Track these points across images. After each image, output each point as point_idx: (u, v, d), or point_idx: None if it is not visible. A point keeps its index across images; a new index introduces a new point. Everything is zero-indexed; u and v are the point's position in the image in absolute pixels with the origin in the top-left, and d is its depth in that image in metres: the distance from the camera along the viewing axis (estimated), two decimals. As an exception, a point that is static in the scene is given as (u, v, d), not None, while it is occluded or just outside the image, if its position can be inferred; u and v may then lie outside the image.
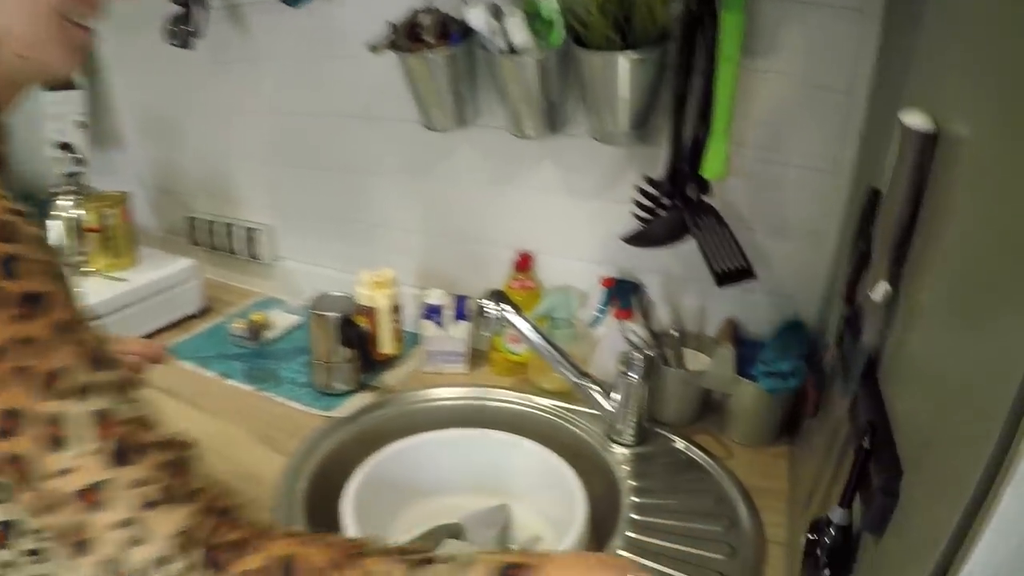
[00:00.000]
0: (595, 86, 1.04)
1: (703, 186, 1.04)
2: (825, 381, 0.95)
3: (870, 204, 0.80)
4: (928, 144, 0.65)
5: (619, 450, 1.14)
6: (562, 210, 1.27)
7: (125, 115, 1.77)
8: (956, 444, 0.47)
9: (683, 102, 1.01)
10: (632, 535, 0.97)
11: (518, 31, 1.02)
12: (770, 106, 1.05)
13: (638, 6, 0.95)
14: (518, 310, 1.14)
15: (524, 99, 1.10)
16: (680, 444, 1.16)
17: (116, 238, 1.50)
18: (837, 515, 0.65)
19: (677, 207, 1.05)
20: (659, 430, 1.18)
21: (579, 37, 1.02)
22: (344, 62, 1.34)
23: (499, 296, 1.14)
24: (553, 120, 1.14)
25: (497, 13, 1.04)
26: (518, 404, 1.26)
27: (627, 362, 1.11)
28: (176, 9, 1.39)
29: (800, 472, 1.02)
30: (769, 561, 0.94)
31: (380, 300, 1.29)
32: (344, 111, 1.40)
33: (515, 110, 1.13)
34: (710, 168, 1.00)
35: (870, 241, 0.79)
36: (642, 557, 0.93)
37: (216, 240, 1.71)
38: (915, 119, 0.66)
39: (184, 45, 1.40)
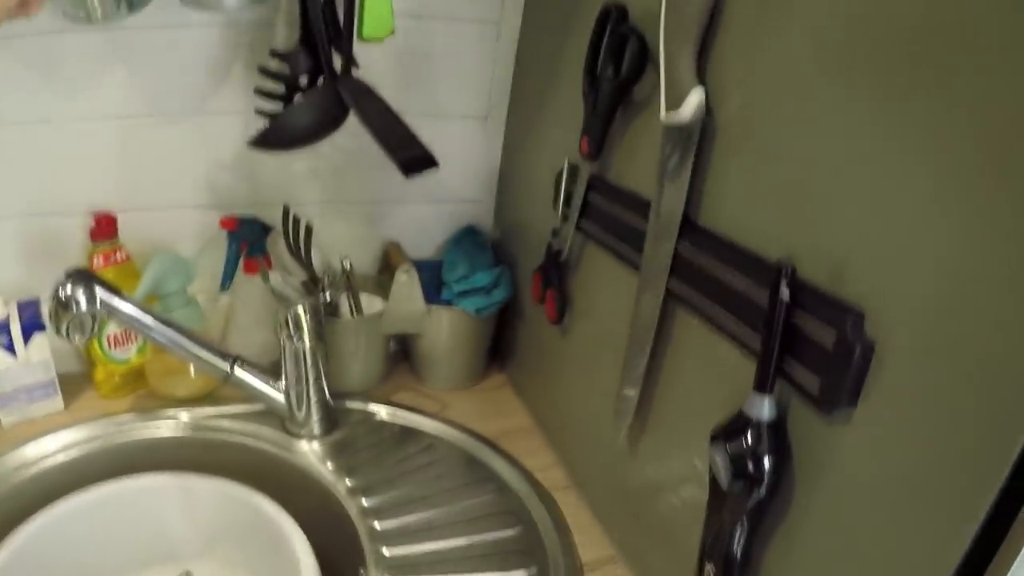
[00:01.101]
0: None
1: (350, 56, 0.75)
2: (560, 271, 0.77)
3: (619, 20, 0.62)
4: None
5: (309, 446, 0.81)
6: (143, 140, 0.83)
7: None
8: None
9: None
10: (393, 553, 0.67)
11: None
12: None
13: None
14: (115, 290, 0.70)
15: None
16: (383, 412, 0.88)
17: None
18: (760, 407, 0.46)
19: (326, 84, 0.74)
20: (349, 404, 0.87)
21: None
22: None
23: (82, 277, 0.69)
24: None
25: None
26: (153, 430, 0.82)
27: (287, 324, 0.78)
28: None
29: (555, 397, 0.84)
30: (567, 511, 0.74)
31: None
32: None
33: None
34: (372, 24, 0.71)
35: (619, 62, 0.62)
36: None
37: None
38: None
39: None
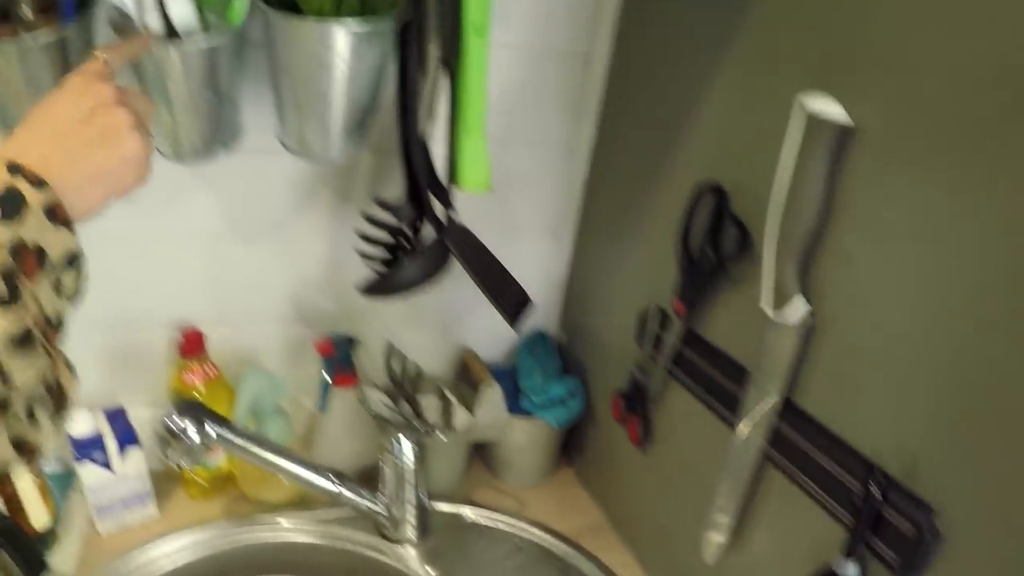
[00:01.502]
0: (296, 74, 0.70)
1: (451, 204, 0.80)
2: (644, 402, 0.84)
3: (719, 203, 0.69)
4: (844, 138, 0.56)
5: (407, 551, 0.88)
6: (228, 263, 0.89)
7: None
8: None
9: (416, 92, 0.75)
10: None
11: (178, 2, 0.63)
12: (495, 84, 0.86)
13: None
14: (223, 421, 0.76)
15: (186, 105, 0.69)
16: (469, 513, 0.95)
17: None
18: (847, 569, 0.57)
19: (435, 242, 0.79)
20: (438, 507, 0.94)
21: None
22: None
23: (191, 409, 0.75)
24: (222, 131, 0.74)
25: None
26: (252, 536, 0.88)
27: (390, 448, 0.85)
28: None
29: (632, 503, 0.91)
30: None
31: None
32: None
33: (172, 118, 0.70)
34: (470, 177, 0.76)
35: (719, 245, 0.69)
36: None
37: None
38: (828, 108, 0.56)
39: None
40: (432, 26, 0.71)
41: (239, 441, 0.76)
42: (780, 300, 0.61)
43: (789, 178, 0.58)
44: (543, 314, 1.04)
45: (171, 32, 0.64)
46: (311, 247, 0.91)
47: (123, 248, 0.84)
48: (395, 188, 0.84)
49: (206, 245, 0.87)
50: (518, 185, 0.93)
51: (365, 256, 0.83)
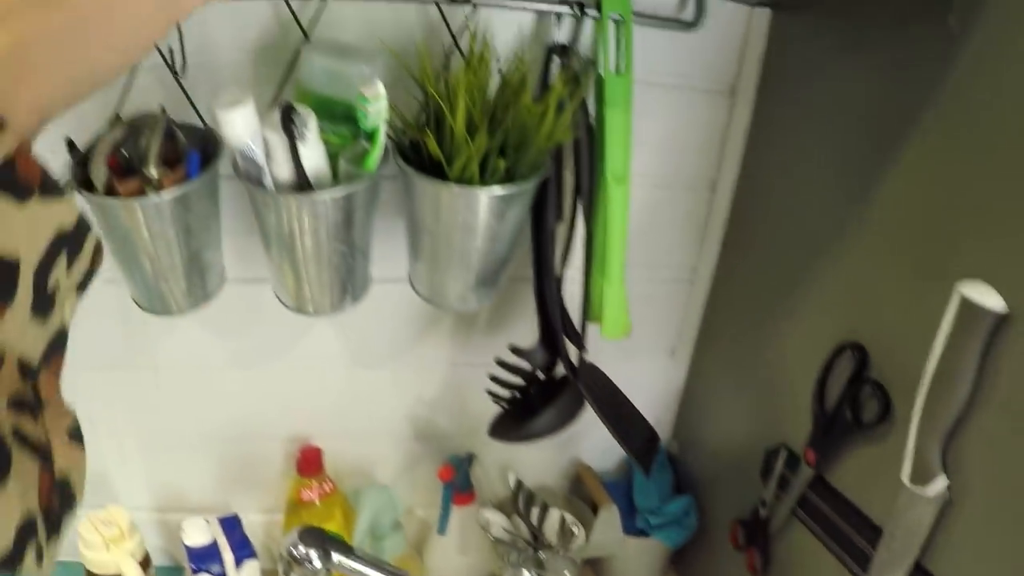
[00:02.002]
0: (435, 232, 0.72)
1: (583, 347, 0.82)
2: (765, 535, 0.83)
3: (859, 363, 0.69)
4: (1000, 325, 0.55)
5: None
6: (349, 384, 0.93)
7: None
8: None
9: (552, 240, 0.78)
10: None
11: (312, 150, 0.65)
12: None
13: (527, 126, 0.66)
14: (346, 547, 0.78)
15: (315, 258, 0.71)
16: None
17: None
18: None
19: (568, 390, 0.82)
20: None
21: (405, 152, 0.70)
22: None
23: (315, 537, 0.77)
24: (353, 285, 0.76)
25: (287, 117, 0.62)
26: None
27: (507, 565, 0.86)
28: None
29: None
30: None
31: (124, 565, 0.82)
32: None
33: (296, 273, 0.73)
34: (611, 325, 0.79)
35: (858, 406, 0.69)
36: None
37: None
38: (986, 296, 0.56)
39: None
40: (571, 176, 0.74)
41: (361, 568, 0.78)
42: (921, 475, 0.61)
43: (939, 358, 0.58)
44: (656, 425, 1.05)
45: (302, 182, 0.65)
46: (430, 370, 0.94)
47: (245, 367, 0.89)
48: (515, 315, 0.87)
49: (327, 367, 0.91)
50: (640, 306, 0.94)
51: (496, 398, 0.85)
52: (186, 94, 0.71)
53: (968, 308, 0.56)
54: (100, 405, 0.90)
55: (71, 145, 0.65)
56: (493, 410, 0.88)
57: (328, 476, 0.93)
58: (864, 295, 0.70)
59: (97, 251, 0.33)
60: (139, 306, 0.73)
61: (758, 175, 0.87)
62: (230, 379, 0.90)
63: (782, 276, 0.81)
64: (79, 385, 0.88)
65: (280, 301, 0.77)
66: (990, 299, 0.56)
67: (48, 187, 0.28)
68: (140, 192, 0.63)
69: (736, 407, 0.92)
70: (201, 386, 0.91)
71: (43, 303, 0.29)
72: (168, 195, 0.63)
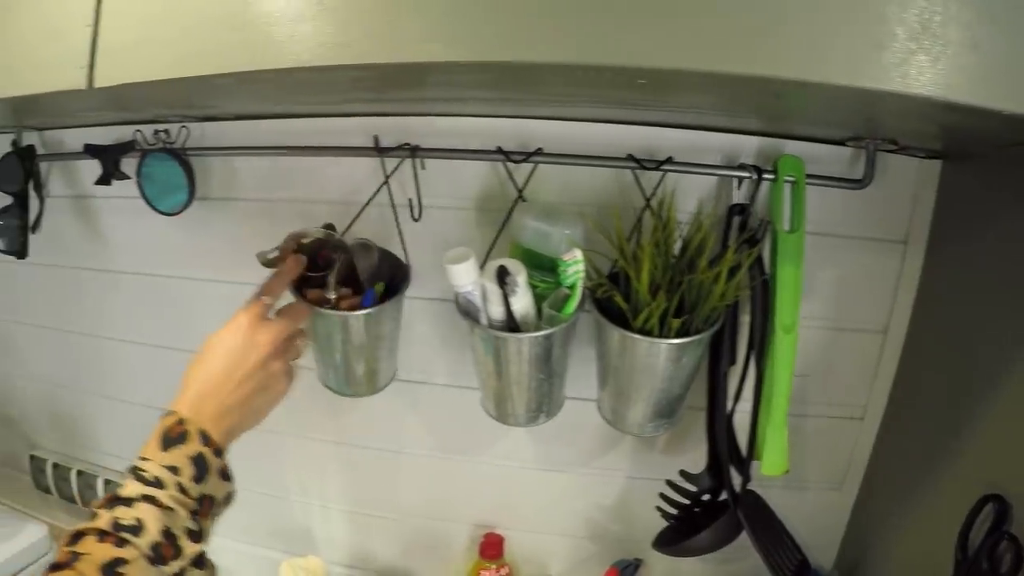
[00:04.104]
0: (621, 370, 0.83)
1: (748, 477, 0.89)
2: None
3: (999, 516, 0.71)
4: None
5: None
6: (535, 484, 1.06)
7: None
8: None
9: (724, 382, 0.87)
10: None
11: (521, 299, 0.79)
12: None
13: (703, 287, 0.77)
14: None
15: (517, 382, 0.85)
16: None
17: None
18: None
19: (729, 514, 0.89)
20: None
21: (598, 298, 0.82)
22: (225, 287, 1.03)
23: None
24: (549, 405, 0.89)
25: (502, 276, 0.78)
26: None
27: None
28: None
29: None
30: None
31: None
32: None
33: (500, 393, 0.87)
34: (770, 463, 0.86)
35: (996, 558, 0.70)
36: None
37: (68, 489, 1.27)
38: None
39: (20, 254, 1.04)
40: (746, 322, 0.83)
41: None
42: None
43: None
44: (816, 551, 1.07)
45: (511, 324, 0.80)
46: (609, 480, 1.04)
47: (446, 456, 1.05)
48: (690, 440, 0.95)
49: (518, 466, 1.05)
50: (810, 440, 1.00)
51: (664, 514, 0.94)
52: (400, 236, 0.92)
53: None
54: (314, 472, 1.11)
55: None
56: (662, 523, 0.97)
57: (506, 561, 1.06)
58: (1012, 449, 0.72)
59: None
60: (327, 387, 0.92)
61: (930, 320, 0.90)
62: (431, 465, 1.07)
63: (944, 421, 0.84)
64: (297, 451, 1.10)
65: (485, 410, 0.91)
66: None
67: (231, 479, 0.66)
68: (319, 303, 0.82)
69: (896, 543, 0.93)
70: (405, 468, 1.09)
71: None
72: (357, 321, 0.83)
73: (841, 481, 1.03)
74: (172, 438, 0.62)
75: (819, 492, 1.03)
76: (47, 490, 1.29)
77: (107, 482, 1.21)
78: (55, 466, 1.27)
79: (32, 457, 1.30)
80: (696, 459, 0.96)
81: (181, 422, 0.63)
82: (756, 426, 0.87)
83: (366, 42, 0.57)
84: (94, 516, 0.58)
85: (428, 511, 1.09)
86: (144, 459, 0.61)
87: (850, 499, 1.04)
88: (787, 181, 0.84)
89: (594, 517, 1.06)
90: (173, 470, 0.60)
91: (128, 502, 0.58)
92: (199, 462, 0.62)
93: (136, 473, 0.60)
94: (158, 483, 0.59)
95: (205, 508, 0.62)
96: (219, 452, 0.64)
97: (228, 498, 0.66)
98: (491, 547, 1.04)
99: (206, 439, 0.63)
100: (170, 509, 0.59)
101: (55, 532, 1.17)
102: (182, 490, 0.60)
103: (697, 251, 0.78)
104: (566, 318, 0.80)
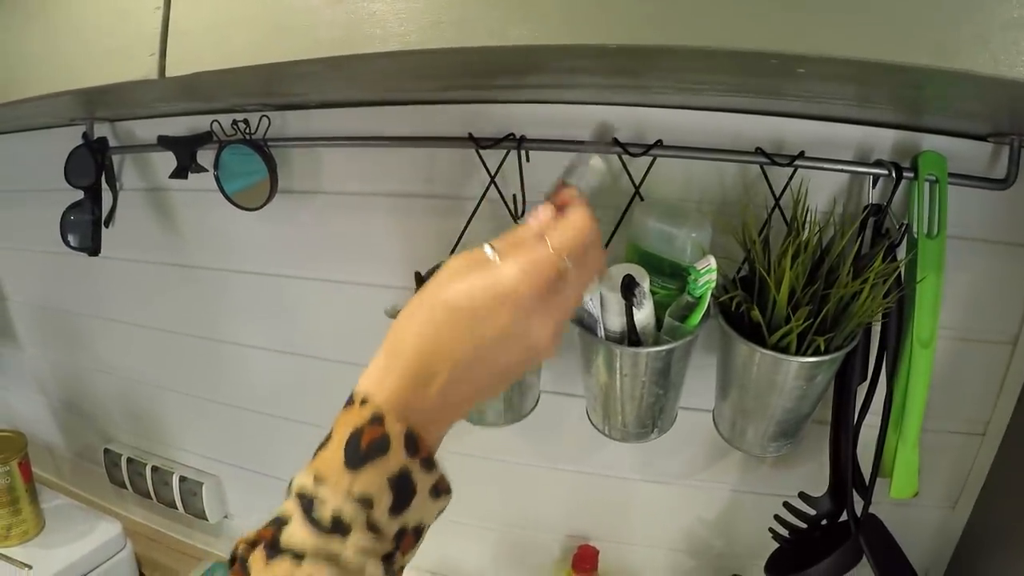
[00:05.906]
0: (747, 387, 0.77)
1: (870, 502, 0.83)
2: None
3: None
4: None
5: None
6: (635, 495, 1.00)
7: (13, 301, 1.33)
8: None
9: (853, 401, 0.81)
10: None
11: (643, 311, 0.73)
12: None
13: (846, 301, 0.71)
14: None
15: (628, 395, 0.79)
16: None
17: (12, 502, 1.06)
18: None
19: (851, 541, 0.83)
20: None
21: (727, 312, 0.76)
22: (312, 284, 0.98)
23: None
24: (662, 420, 0.84)
25: (628, 288, 0.70)
26: None
27: None
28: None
29: None
30: None
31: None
32: (305, 348, 1.02)
33: (610, 405, 0.82)
34: (900, 485, 0.80)
35: None
36: None
37: (143, 484, 1.25)
38: None
39: (92, 251, 1.00)
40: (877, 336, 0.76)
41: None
42: None
43: None
44: (925, 562, 1.02)
45: (631, 337, 0.74)
46: (714, 493, 0.99)
47: (545, 465, 1.00)
48: (804, 455, 0.90)
49: (619, 476, 0.99)
50: (926, 460, 0.93)
51: (777, 536, 0.88)
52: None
53: None
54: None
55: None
56: (766, 538, 0.91)
57: (599, 575, 1.01)
58: None
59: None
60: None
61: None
62: (528, 473, 1.02)
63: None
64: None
65: (590, 421, 0.85)
66: None
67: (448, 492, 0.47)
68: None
69: (1011, 565, 0.87)
70: (502, 475, 1.04)
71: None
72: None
73: (956, 499, 0.97)
74: (365, 449, 0.41)
75: (931, 510, 0.98)
76: (122, 484, 1.26)
77: (182, 479, 1.18)
78: (130, 460, 1.24)
79: (107, 451, 1.28)
80: (806, 474, 0.91)
81: (378, 419, 0.42)
82: (883, 445, 0.81)
83: (489, 19, 0.49)
84: (245, 566, 0.41)
85: (519, 519, 1.05)
86: (319, 481, 0.41)
87: (963, 518, 0.98)
88: (928, 180, 0.77)
89: (695, 531, 1.01)
90: (365, 503, 0.41)
91: (295, 556, 0.40)
92: (401, 486, 0.42)
93: (306, 507, 0.41)
94: (340, 528, 0.41)
95: (406, 544, 0.45)
96: (429, 462, 0.44)
97: (439, 514, 0.48)
98: (585, 559, 1.00)
99: (413, 445, 0.42)
100: (356, 570, 0.41)
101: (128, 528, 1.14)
102: (373, 528, 0.42)
103: (837, 263, 0.72)
104: (691, 331, 0.74)
